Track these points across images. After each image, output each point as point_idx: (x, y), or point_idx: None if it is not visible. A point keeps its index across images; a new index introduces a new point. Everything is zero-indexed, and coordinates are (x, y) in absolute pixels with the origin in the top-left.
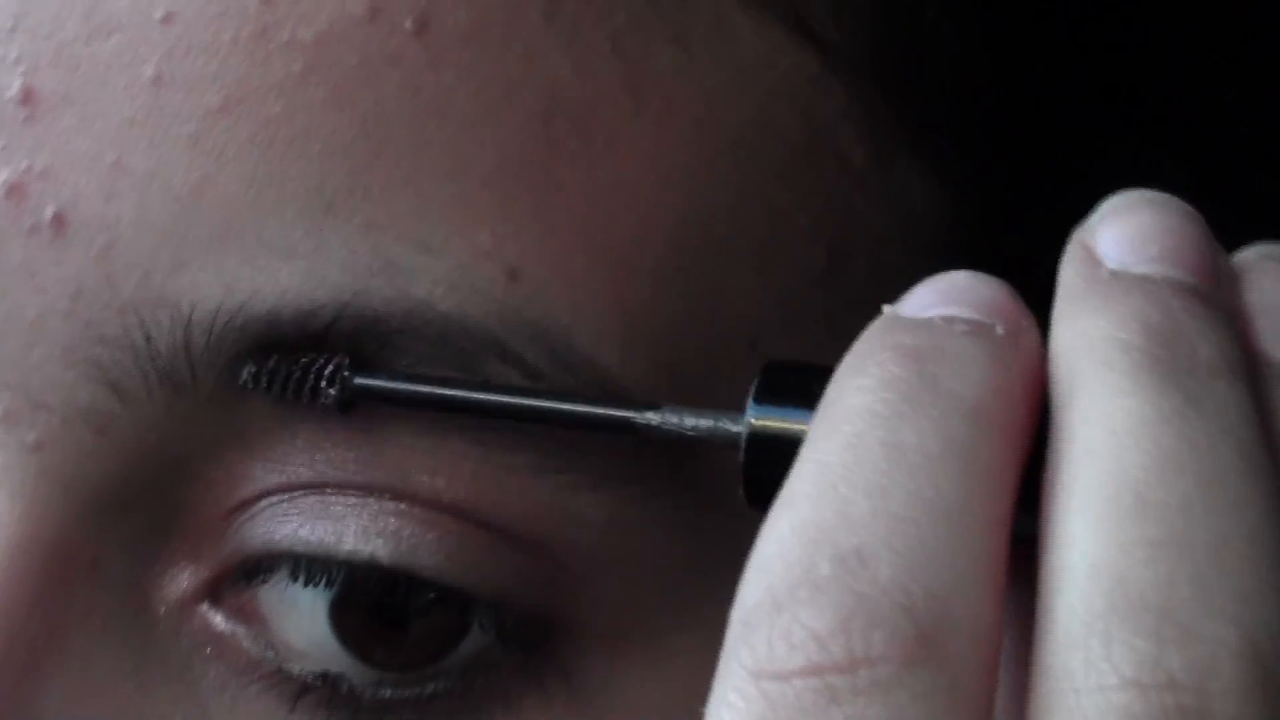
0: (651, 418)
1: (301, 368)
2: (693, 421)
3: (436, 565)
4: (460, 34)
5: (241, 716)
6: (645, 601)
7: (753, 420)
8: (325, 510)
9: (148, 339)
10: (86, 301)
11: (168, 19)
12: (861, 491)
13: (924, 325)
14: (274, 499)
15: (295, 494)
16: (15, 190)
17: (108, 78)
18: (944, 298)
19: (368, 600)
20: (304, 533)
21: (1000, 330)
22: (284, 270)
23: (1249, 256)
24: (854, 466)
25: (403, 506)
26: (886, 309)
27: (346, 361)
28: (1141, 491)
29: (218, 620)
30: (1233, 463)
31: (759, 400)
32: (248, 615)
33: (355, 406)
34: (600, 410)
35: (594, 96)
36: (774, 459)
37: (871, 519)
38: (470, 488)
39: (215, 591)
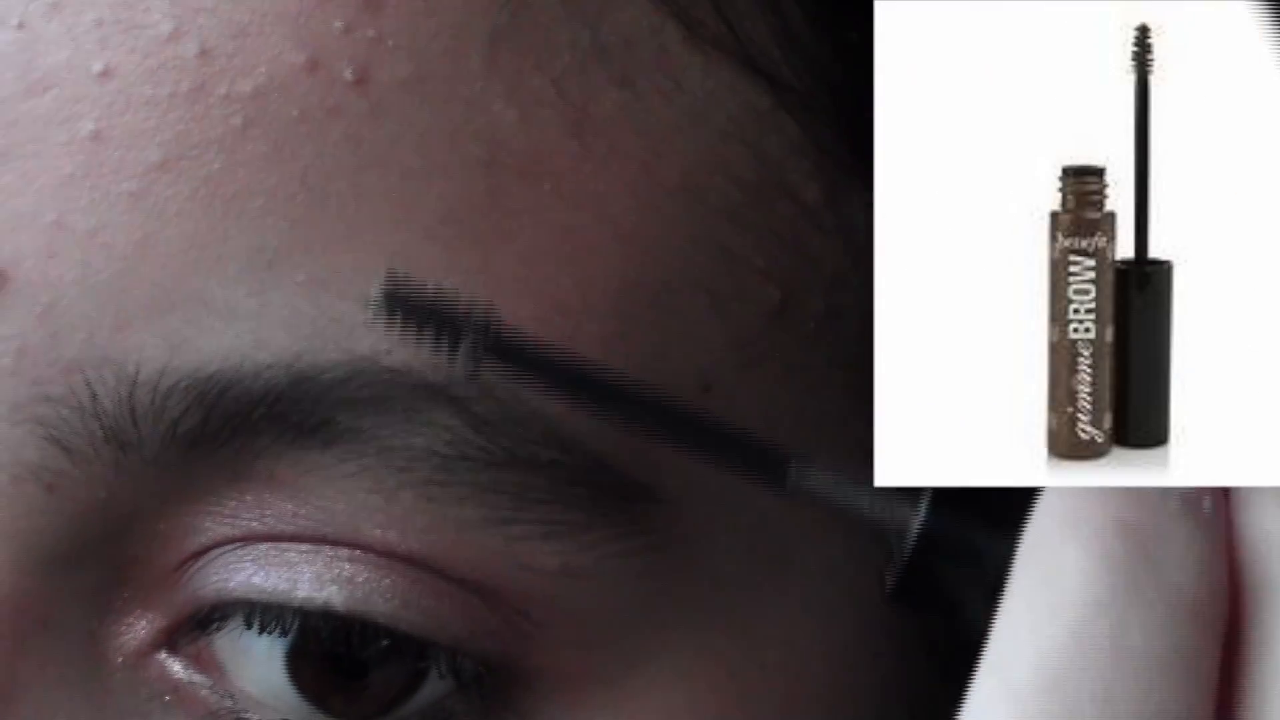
0: (810, 474)
1: (441, 312)
2: (853, 494)
3: (391, 612)
4: (401, 84)
5: None
6: (602, 646)
7: (927, 518)
8: (279, 557)
9: (93, 397)
10: (31, 359)
11: (105, 74)
12: (1089, 696)
13: (1140, 497)
14: (226, 548)
15: (248, 543)
16: None
17: (46, 134)
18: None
19: (323, 648)
20: (258, 580)
21: (1207, 506)
22: (228, 331)
23: None
24: (1081, 665)
25: (357, 553)
26: None
27: (491, 325)
28: None
29: (176, 669)
30: None
31: (937, 500)
32: (205, 664)
33: (481, 370)
34: (752, 446)
35: (538, 143)
36: (935, 564)
37: None
38: (422, 540)
39: (172, 640)
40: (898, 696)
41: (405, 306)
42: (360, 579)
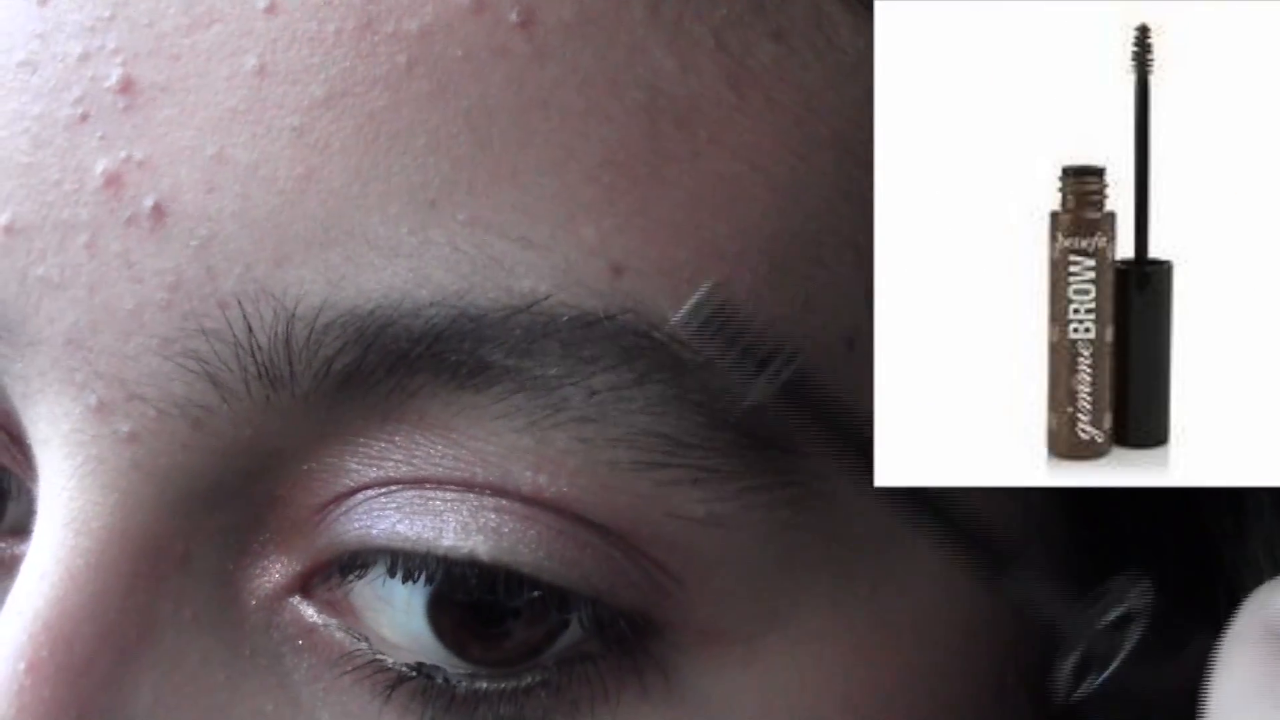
0: (1023, 582)
1: (747, 344)
2: (1060, 613)
3: (536, 562)
4: (565, 27)
5: (335, 707)
6: (739, 601)
7: (1121, 665)
8: (424, 505)
9: (249, 331)
10: (186, 293)
11: (271, 9)
12: None
13: None
14: (370, 493)
15: (392, 488)
16: (113, 180)
17: (209, 68)
18: None
19: (467, 597)
20: (402, 528)
21: None
22: (388, 268)
23: None
24: None
25: (503, 502)
26: (1268, 614)
27: (790, 368)
28: None
29: (309, 613)
30: None
31: (1134, 652)
32: (340, 609)
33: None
34: (977, 541)
35: (697, 91)
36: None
37: None
38: (572, 483)
39: (307, 585)
40: (1015, 668)
41: (721, 324)
42: (506, 529)
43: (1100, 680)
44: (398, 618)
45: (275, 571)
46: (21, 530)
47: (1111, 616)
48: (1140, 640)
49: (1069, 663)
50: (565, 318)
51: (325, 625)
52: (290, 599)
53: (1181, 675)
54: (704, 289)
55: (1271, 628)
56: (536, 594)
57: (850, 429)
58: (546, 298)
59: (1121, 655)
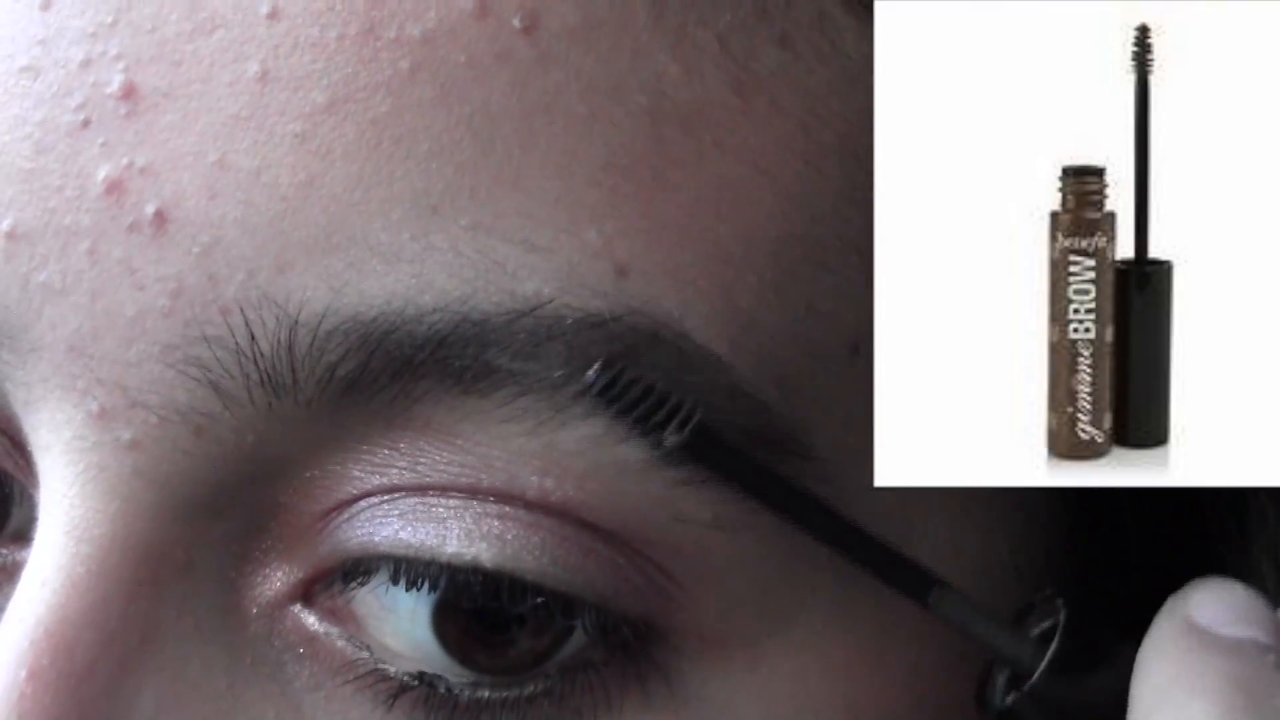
0: (950, 602)
1: (657, 398)
2: (986, 630)
3: (539, 569)
4: (568, 32)
5: (336, 716)
6: (743, 608)
7: (1042, 677)
8: (427, 512)
9: (251, 339)
10: (188, 300)
11: (273, 15)
12: None
13: (1243, 654)
14: (373, 500)
15: (395, 495)
16: (115, 187)
17: (211, 74)
18: (1238, 616)
19: (471, 604)
20: (405, 535)
21: None
22: (390, 274)
23: None
24: None
25: (507, 509)
26: (1183, 613)
27: (698, 416)
28: None
29: (311, 621)
30: None
31: (1054, 664)
32: (342, 617)
33: (677, 456)
34: (903, 565)
35: (701, 96)
36: (1047, 700)
37: None
38: (579, 487)
39: (308, 593)
40: None
41: (622, 390)
42: (510, 535)
43: (1025, 690)
44: (402, 625)
45: (277, 579)
46: (23, 537)
47: (1035, 632)
48: (1061, 652)
49: (1001, 676)
50: (570, 320)
51: (327, 634)
52: (292, 607)
53: (1106, 685)
54: (596, 366)
55: (1190, 622)
56: (540, 600)
57: (766, 471)
58: (550, 300)
59: (1043, 667)
